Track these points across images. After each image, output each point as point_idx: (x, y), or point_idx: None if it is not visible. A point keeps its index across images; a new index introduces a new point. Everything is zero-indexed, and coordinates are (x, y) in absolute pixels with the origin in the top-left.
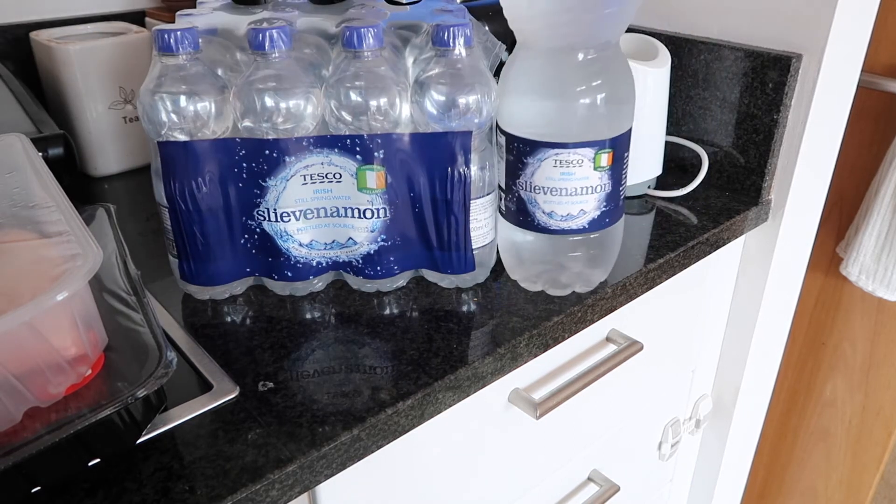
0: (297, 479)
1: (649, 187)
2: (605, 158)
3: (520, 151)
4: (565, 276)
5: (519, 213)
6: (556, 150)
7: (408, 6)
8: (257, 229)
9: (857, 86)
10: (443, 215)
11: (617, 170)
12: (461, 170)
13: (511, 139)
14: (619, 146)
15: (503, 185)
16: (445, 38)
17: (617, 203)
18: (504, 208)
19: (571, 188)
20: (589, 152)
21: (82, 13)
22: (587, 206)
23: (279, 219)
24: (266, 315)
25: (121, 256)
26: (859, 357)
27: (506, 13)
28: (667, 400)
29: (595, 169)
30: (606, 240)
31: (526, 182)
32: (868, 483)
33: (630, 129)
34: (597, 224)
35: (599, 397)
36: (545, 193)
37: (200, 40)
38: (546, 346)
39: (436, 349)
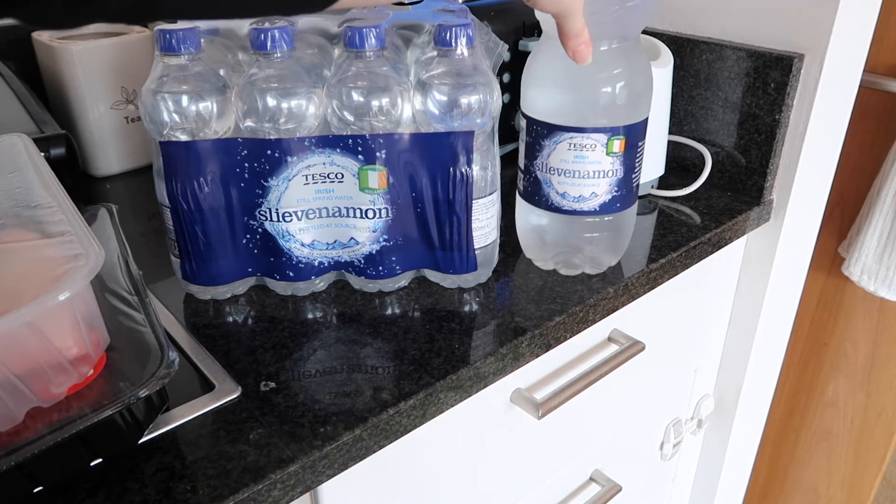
0: (298, 479)
1: (652, 187)
2: (617, 145)
3: (538, 133)
4: (577, 257)
5: (534, 192)
6: (571, 134)
7: (410, 6)
8: (259, 229)
9: (859, 86)
10: (445, 215)
11: (630, 157)
12: (463, 170)
13: (531, 122)
14: (632, 134)
15: (522, 166)
16: (447, 38)
17: (629, 189)
18: (522, 188)
19: (584, 171)
20: (602, 138)
21: None
22: (598, 190)
23: (281, 219)
24: (268, 315)
25: (123, 256)
26: (861, 357)
27: None
28: (669, 400)
29: (607, 154)
30: (618, 224)
31: (542, 163)
32: (870, 483)
33: (645, 120)
34: (607, 208)
35: (601, 397)
36: (559, 175)
37: (202, 40)
38: (548, 346)
39: (438, 349)
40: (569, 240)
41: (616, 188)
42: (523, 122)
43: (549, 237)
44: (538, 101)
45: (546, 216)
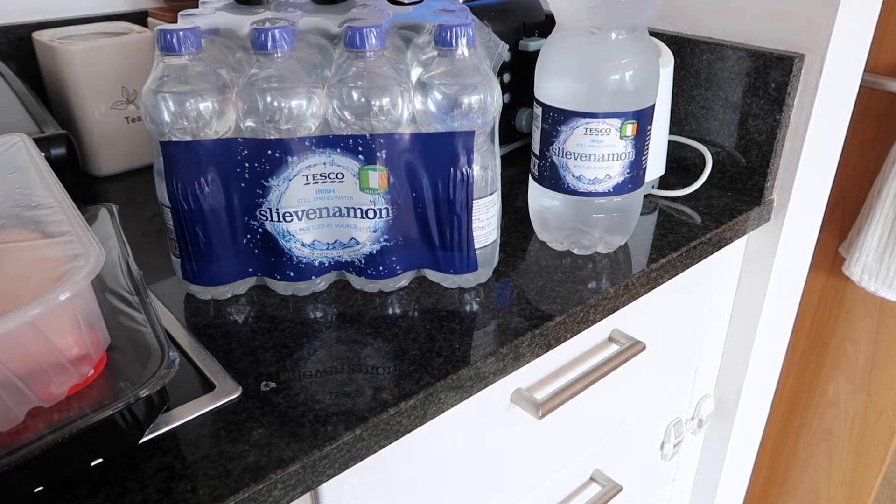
0: (299, 479)
1: (653, 187)
2: (630, 128)
3: (554, 120)
4: (588, 237)
5: (551, 177)
6: (587, 120)
7: (410, 6)
8: (259, 229)
9: (860, 86)
10: (445, 215)
11: (640, 140)
12: (464, 170)
13: (547, 109)
14: (642, 119)
15: (537, 152)
16: (448, 38)
17: (638, 171)
18: (537, 173)
19: (599, 154)
20: (616, 122)
21: (85, 13)
22: (612, 172)
23: (281, 219)
24: (268, 315)
25: (123, 256)
26: (861, 357)
27: None
28: (669, 400)
29: (621, 138)
30: (628, 205)
31: (559, 148)
32: (870, 483)
33: (653, 105)
34: (620, 188)
35: (602, 397)
36: (575, 159)
37: (203, 40)
38: (548, 346)
39: (438, 349)
40: (582, 221)
41: (628, 170)
42: (538, 111)
43: (564, 219)
44: (554, 89)
45: (560, 199)
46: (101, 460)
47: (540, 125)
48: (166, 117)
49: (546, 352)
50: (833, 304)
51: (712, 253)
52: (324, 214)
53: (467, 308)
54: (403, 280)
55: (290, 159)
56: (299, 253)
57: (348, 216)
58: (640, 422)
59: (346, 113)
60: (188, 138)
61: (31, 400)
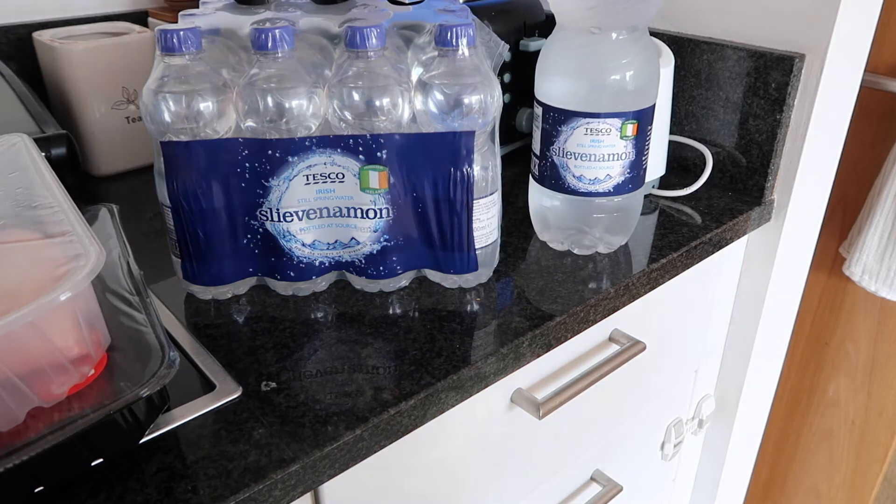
0: (299, 479)
1: (653, 187)
2: (630, 128)
3: (555, 120)
4: (590, 237)
5: (551, 177)
6: (588, 120)
7: (410, 6)
8: (260, 229)
9: (860, 86)
10: (445, 215)
11: (640, 140)
12: (464, 170)
13: (547, 109)
14: (643, 119)
15: (537, 152)
16: (448, 38)
17: (639, 171)
18: (537, 173)
19: (600, 154)
20: (616, 122)
21: (85, 13)
22: (613, 172)
23: (282, 219)
24: (269, 315)
25: (124, 256)
26: (862, 357)
27: None
28: (670, 400)
29: (621, 138)
30: (628, 205)
31: (559, 148)
32: (871, 483)
33: (654, 105)
34: (620, 188)
35: (602, 397)
36: (576, 159)
37: (203, 40)
38: (549, 346)
39: (438, 349)
40: (583, 221)
41: (629, 170)
42: (539, 111)
43: (564, 219)
44: (554, 89)
45: (561, 199)
46: (101, 460)
47: (540, 125)
48: (167, 117)
49: (546, 352)
50: (833, 304)
51: (712, 253)
52: (324, 214)
53: (468, 308)
54: (404, 280)
55: (290, 159)
56: (300, 253)
57: (349, 216)
58: (641, 422)
59: (346, 113)
60: (188, 138)
61: (31, 400)
